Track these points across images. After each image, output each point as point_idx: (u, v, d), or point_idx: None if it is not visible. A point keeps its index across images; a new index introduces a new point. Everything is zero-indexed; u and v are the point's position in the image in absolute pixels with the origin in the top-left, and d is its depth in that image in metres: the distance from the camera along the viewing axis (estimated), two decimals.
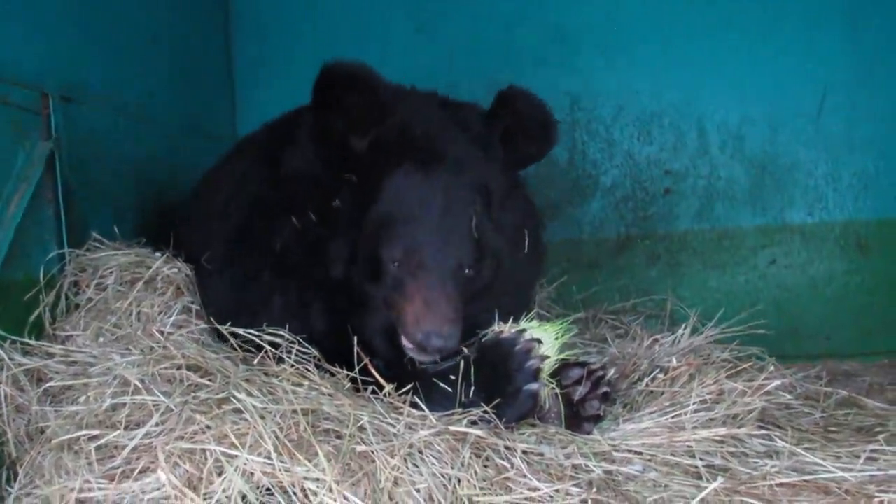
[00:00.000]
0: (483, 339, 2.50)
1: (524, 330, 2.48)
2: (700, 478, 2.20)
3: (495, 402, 2.33)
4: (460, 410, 2.32)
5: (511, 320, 2.54)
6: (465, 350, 2.44)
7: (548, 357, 2.45)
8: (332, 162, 2.64)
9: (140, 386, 2.17)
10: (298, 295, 2.65)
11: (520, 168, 2.91)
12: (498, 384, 2.38)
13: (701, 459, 2.28)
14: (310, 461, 1.89)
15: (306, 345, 2.52)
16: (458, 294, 2.49)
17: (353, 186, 2.60)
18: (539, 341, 2.45)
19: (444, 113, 2.75)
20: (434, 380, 2.40)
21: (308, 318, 2.63)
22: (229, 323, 2.58)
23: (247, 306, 2.67)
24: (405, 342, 2.47)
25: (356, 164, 2.61)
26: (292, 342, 2.50)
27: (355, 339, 2.42)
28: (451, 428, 2.17)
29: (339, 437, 2.05)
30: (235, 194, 2.93)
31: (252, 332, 2.51)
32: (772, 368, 2.87)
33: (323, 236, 2.61)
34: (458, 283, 2.51)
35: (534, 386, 2.39)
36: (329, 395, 2.28)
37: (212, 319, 2.73)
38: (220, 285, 2.83)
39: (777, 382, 2.72)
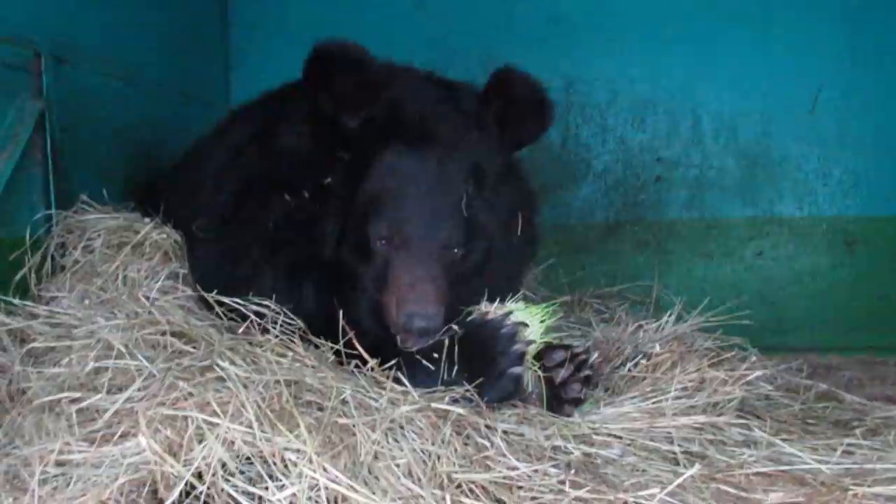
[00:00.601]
0: (469, 319, 2.50)
1: (510, 312, 2.48)
2: (678, 464, 2.22)
3: (478, 381, 2.34)
4: (443, 388, 2.32)
5: (497, 301, 2.54)
6: (453, 327, 2.44)
7: (533, 342, 2.46)
8: (324, 140, 2.63)
9: (123, 350, 2.15)
10: (288, 273, 2.64)
11: (515, 149, 2.89)
12: (482, 365, 2.38)
13: (679, 446, 2.30)
14: (291, 432, 1.88)
15: (292, 315, 2.52)
16: (444, 273, 2.49)
17: (345, 165, 2.59)
18: (525, 325, 2.46)
19: (437, 92, 2.74)
20: (418, 357, 2.40)
21: (297, 296, 2.61)
22: (216, 291, 2.57)
23: (236, 282, 2.64)
24: (391, 327, 2.47)
25: (348, 143, 2.59)
26: (278, 313, 2.49)
27: (341, 312, 2.41)
28: (433, 405, 2.17)
29: (320, 409, 2.05)
30: (228, 167, 2.90)
31: (238, 300, 2.50)
32: (753, 359, 2.90)
33: (315, 215, 2.60)
34: (446, 262, 2.52)
35: (517, 369, 2.39)
36: (312, 367, 2.28)
37: (198, 287, 2.72)
38: (209, 259, 2.81)
39: (758, 373, 2.75)
